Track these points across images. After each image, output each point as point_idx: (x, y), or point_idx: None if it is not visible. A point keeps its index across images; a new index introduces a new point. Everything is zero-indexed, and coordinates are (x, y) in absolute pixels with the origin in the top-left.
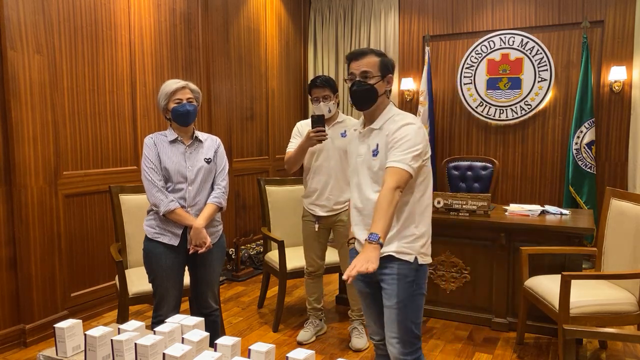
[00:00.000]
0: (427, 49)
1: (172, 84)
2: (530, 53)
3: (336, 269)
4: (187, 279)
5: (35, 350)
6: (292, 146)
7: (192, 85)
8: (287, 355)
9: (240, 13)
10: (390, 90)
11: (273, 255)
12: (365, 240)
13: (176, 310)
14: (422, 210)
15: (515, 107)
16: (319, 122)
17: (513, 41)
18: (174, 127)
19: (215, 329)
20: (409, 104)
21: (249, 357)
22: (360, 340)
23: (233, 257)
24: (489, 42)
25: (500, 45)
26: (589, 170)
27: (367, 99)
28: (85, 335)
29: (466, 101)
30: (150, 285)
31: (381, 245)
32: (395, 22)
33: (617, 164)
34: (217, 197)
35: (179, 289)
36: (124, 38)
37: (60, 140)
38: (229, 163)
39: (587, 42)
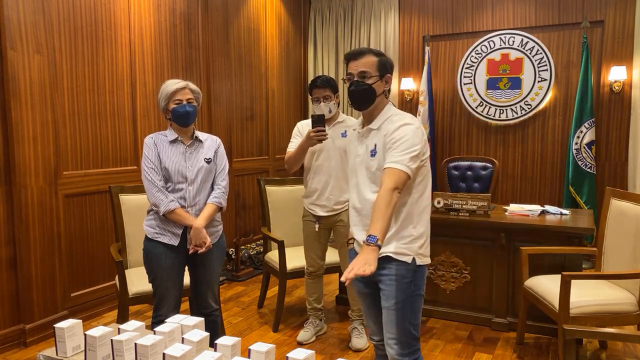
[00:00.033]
0: (427, 49)
1: (172, 84)
2: (530, 53)
3: (336, 269)
4: (187, 279)
5: (35, 350)
6: (293, 146)
7: (192, 86)
8: (287, 355)
9: (240, 13)
10: (389, 90)
11: (273, 255)
12: (364, 242)
13: (176, 310)
14: (420, 210)
15: (515, 107)
16: (319, 122)
17: (513, 41)
18: (174, 127)
19: (215, 329)
20: (409, 104)
21: (249, 357)
22: (360, 340)
23: (233, 257)
24: (489, 42)
25: (500, 45)
26: (589, 170)
27: (365, 99)
28: (85, 335)
29: (466, 101)
30: (150, 285)
31: (379, 247)
32: (395, 22)
33: (617, 164)
34: (217, 197)
35: (179, 289)
36: (124, 38)
37: (60, 140)
38: (229, 163)
39: (587, 42)
